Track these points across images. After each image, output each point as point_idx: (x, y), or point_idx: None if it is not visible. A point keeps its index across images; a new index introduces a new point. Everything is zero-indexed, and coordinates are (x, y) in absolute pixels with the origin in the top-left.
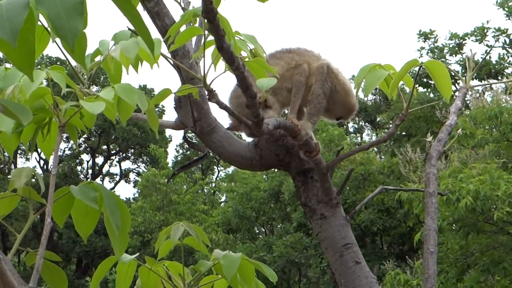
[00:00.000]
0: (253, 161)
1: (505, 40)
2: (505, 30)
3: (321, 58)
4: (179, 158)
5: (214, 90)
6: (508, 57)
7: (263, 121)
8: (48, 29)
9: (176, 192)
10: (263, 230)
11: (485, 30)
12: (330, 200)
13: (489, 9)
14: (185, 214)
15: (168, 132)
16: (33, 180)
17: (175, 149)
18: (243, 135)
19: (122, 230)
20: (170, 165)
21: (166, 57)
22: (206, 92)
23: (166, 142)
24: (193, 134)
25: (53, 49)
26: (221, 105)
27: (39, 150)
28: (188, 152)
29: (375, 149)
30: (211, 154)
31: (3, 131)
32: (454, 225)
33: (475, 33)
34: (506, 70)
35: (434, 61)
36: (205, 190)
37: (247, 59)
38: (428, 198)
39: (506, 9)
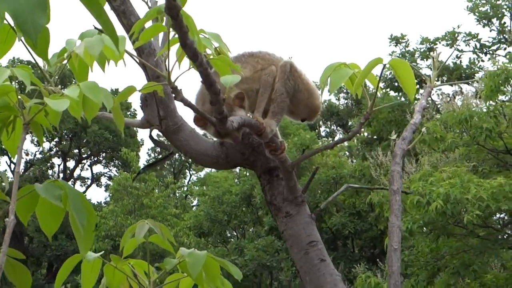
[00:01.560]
0: (219, 159)
1: (475, 45)
2: (475, 35)
3: (280, 60)
4: (150, 161)
5: (179, 88)
6: (479, 62)
7: (227, 118)
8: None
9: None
10: (235, 233)
11: (456, 35)
12: (295, 198)
13: (460, 14)
14: (156, 218)
15: (140, 136)
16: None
17: (147, 152)
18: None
19: (87, 228)
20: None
21: (131, 55)
22: (171, 90)
23: (138, 146)
24: (159, 132)
25: (25, 52)
26: (186, 102)
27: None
28: (160, 156)
29: (347, 153)
30: (177, 153)
31: None
32: (424, 228)
33: (446, 38)
34: (476, 74)
35: (398, 60)
36: (177, 194)
37: (211, 57)
38: (392, 195)
39: (477, 14)
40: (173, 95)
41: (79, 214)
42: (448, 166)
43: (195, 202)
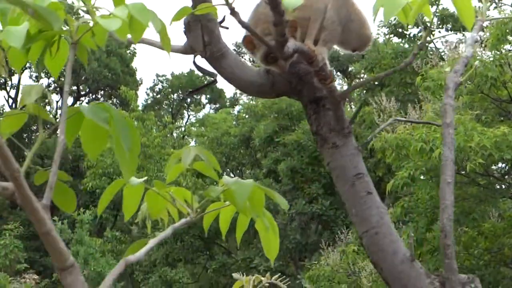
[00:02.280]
0: (264, 87)
1: None
2: None
3: None
4: (149, 102)
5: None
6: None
7: (287, 41)
8: None
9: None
10: (232, 175)
11: None
12: (342, 129)
13: None
14: (154, 157)
15: (139, 75)
16: None
17: (146, 92)
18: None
19: (131, 152)
20: (140, 107)
21: None
22: (229, 11)
23: (137, 84)
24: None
25: None
26: (243, 24)
27: (7, 87)
28: (158, 96)
29: (347, 98)
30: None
31: (12, 46)
32: (425, 175)
33: None
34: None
35: None
36: (175, 135)
37: None
38: (446, 129)
39: None
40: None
41: (124, 137)
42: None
43: (192, 143)
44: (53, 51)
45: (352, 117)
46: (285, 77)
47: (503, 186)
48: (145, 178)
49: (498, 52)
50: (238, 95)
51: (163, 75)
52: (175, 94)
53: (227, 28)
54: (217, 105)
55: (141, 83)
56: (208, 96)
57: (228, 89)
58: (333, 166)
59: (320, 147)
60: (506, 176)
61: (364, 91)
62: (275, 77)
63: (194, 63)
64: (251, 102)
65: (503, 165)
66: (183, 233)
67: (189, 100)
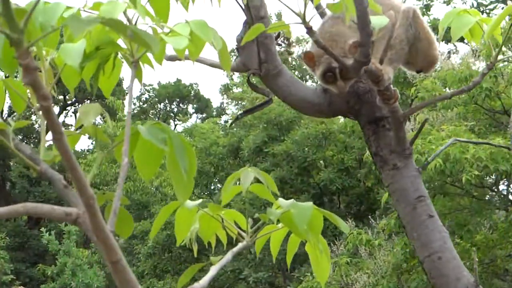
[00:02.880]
0: (321, 107)
1: (472, 3)
2: None
3: (402, 5)
4: (135, 111)
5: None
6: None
7: (369, 62)
8: None
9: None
10: (220, 186)
11: None
12: (403, 151)
13: None
14: None
15: (126, 84)
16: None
17: (132, 102)
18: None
19: (188, 174)
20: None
21: None
22: (305, 30)
23: (123, 94)
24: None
25: None
26: (320, 44)
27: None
28: (145, 105)
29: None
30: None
31: (68, 64)
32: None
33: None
34: None
35: None
36: None
37: None
38: None
39: None
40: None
41: (181, 159)
42: (445, 124)
43: None
44: (107, 69)
45: (413, 137)
46: (342, 97)
47: (497, 198)
48: (200, 200)
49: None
50: (225, 104)
51: (149, 85)
52: (162, 104)
53: (280, 45)
54: (204, 115)
55: (127, 93)
56: (195, 105)
57: (215, 98)
58: (393, 188)
59: (380, 169)
60: (501, 188)
61: None
62: (332, 96)
63: (249, 81)
64: (240, 112)
65: (497, 176)
66: (172, 244)
67: (175, 109)
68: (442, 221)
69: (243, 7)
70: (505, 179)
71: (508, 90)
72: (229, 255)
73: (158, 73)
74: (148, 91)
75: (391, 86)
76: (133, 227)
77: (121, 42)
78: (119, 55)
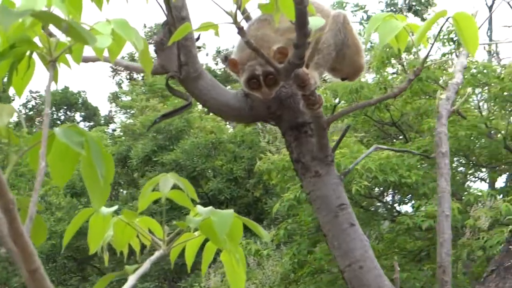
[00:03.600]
0: (242, 111)
1: (362, 16)
2: (363, 6)
3: (331, 10)
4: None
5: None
6: (365, 33)
7: (303, 65)
8: None
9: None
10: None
11: (344, 5)
12: (325, 157)
13: None
14: (26, 175)
15: (12, 90)
16: None
17: (18, 108)
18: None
19: (105, 179)
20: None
21: None
22: (236, 30)
23: (9, 101)
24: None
25: None
26: (251, 45)
27: None
28: (31, 112)
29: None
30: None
31: None
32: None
33: (334, 7)
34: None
35: (462, 13)
36: None
37: None
38: (441, 158)
39: None
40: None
41: (99, 163)
42: (335, 135)
43: None
44: (21, 69)
45: (335, 144)
46: (264, 101)
47: (383, 209)
48: (116, 207)
49: (383, 75)
50: (113, 113)
51: (36, 92)
52: (50, 111)
53: (199, 47)
54: (92, 123)
55: (13, 99)
56: (82, 113)
57: (103, 106)
58: (314, 196)
59: (301, 176)
60: (387, 199)
61: None
62: (253, 101)
63: (167, 84)
64: (129, 120)
65: (384, 187)
66: (56, 254)
67: (62, 117)
68: None
69: (164, 7)
70: (391, 190)
71: (396, 102)
72: (147, 264)
73: (46, 79)
74: (35, 98)
75: (316, 91)
76: (46, 234)
77: (36, 40)
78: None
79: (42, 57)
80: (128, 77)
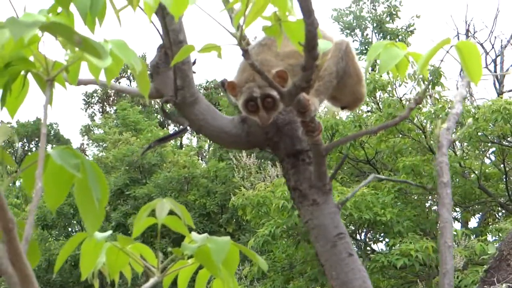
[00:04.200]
0: (239, 138)
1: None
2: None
3: (334, 37)
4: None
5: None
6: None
7: (310, 88)
8: None
9: None
10: (77, 228)
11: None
12: (323, 186)
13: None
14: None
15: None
16: None
17: None
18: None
19: (100, 203)
20: None
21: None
22: (241, 52)
23: None
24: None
25: None
26: (255, 68)
27: None
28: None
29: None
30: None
31: None
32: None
33: None
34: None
35: (466, 42)
36: (18, 184)
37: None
38: (443, 189)
39: (341, 23)
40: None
41: (95, 187)
42: None
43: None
44: (15, 88)
45: (333, 173)
46: (261, 127)
47: (358, 247)
48: (110, 232)
49: (358, 113)
50: (85, 145)
51: (8, 123)
52: (20, 143)
53: (194, 72)
54: None
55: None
56: (54, 145)
57: (75, 139)
58: (312, 225)
59: (299, 204)
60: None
61: (219, 147)
62: (251, 127)
63: (162, 108)
64: (101, 154)
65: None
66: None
67: (34, 148)
68: (305, 269)
69: (161, 30)
70: (365, 228)
71: (371, 140)
72: None
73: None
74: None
75: (316, 118)
76: (39, 256)
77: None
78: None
79: (37, 77)
80: (101, 110)
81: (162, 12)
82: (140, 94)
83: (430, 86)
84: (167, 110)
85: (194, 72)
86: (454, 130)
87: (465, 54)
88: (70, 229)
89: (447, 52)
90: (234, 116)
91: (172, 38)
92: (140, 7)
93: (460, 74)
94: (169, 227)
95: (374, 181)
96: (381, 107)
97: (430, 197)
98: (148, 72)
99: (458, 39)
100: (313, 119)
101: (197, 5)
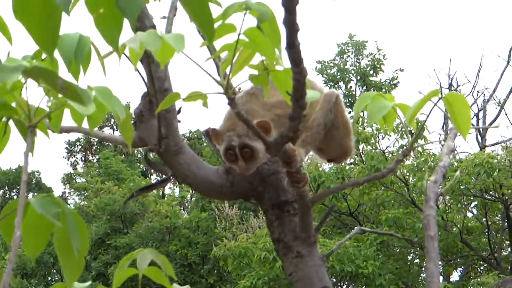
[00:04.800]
0: (223, 188)
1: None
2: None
3: (324, 89)
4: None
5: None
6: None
7: (296, 139)
8: None
9: None
10: (57, 278)
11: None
12: (308, 238)
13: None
14: None
15: None
16: None
17: None
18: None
19: (80, 253)
20: None
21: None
22: (227, 100)
23: None
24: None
25: None
26: (241, 117)
27: None
28: None
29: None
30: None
31: None
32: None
33: None
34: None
35: (454, 94)
36: None
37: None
38: (430, 242)
39: (325, 76)
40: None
41: (75, 236)
42: None
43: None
44: None
45: (318, 225)
46: (246, 178)
47: None
48: (89, 282)
49: (340, 165)
50: (67, 194)
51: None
52: (1, 191)
53: (179, 121)
54: None
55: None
56: (35, 193)
57: (57, 187)
58: (296, 277)
59: (283, 256)
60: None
61: (201, 197)
62: (235, 177)
63: (146, 158)
64: (83, 202)
65: (338, 278)
66: None
67: (15, 196)
68: None
69: (145, 78)
70: (346, 281)
71: (353, 192)
72: None
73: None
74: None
75: (301, 169)
76: None
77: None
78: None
79: (19, 124)
80: (83, 158)
81: (147, 59)
82: (123, 142)
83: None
84: (151, 159)
85: (179, 121)
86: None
87: (454, 107)
88: (49, 278)
89: (435, 104)
90: (218, 167)
91: (158, 86)
92: (125, 54)
93: (443, 127)
94: (151, 278)
95: (356, 234)
96: (364, 160)
97: (412, 250)
98: (132, 121)
99: (441, 93)
100: (299, 169)
101: (184, 53)
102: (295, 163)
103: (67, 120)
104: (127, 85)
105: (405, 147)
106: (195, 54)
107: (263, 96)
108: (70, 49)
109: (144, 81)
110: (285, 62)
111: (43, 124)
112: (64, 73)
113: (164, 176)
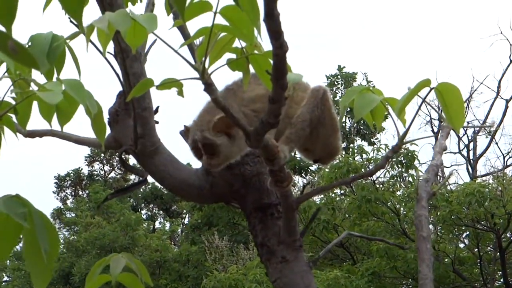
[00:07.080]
0: (202, 190)
1: None
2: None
3: (309, 86)
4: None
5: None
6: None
7: (278, 124)
8: None
9: None
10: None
11: None
12: (293, 242)
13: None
14: None
15: None
16: None
17: None
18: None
19: (49, 256)
20: None
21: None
22: (203, 86)
23: None
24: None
25: None
26: (219, 104)
27: None
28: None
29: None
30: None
31: None
32: None
33: None
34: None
35: (448, 84)
36: None
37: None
38: (422, 243)
39: None
40: (207, 92)
41: (43, 238)
42: None
43: (5, 278)
44: None
45: (304, 228)
46: (226, 179)
47: None
48: None
49: (331, 196)
50: (57, 229)
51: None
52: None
53: (157, 122)
54: None
55: None
56: None
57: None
58: (281, 284)
59: (266, 262)
60: None
61: (192, 230)
62: (215, 178)
63: (121, 159)
64: (72, 237)
65: None
66: None
67: None
68: None
69: (120, 75)
70: None
71: (344, 223)
72: None
73: None
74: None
75: (285, 167)
76: None
77: None
78: None
79: None
80: (73, 193)
81: (122, 54)
82: (97, 143)
83: (403, 169)
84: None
85: (157, 122)
86: (431, 208)
87: (446, 98)
88: None
89: (426, 96)
90: (197, 168)
91: (133, 83)
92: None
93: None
94: (125, 285)
95: (348, 265)
96: (354, 190)
97: (404, 282)
98: (107, 120)
99: (432, 123)
100: (282, 168)
101: (156, 34)
102: (278, 160)
103: (39, 123)
104: (102, 86)
105: (395, 178)
106: (171, 42)
107: (242, 92)
108: (42, 48)
109: (119, 78)
110: (265, 47)
111: (9, 119)
112: (37, 76)
113: (140, 178)
